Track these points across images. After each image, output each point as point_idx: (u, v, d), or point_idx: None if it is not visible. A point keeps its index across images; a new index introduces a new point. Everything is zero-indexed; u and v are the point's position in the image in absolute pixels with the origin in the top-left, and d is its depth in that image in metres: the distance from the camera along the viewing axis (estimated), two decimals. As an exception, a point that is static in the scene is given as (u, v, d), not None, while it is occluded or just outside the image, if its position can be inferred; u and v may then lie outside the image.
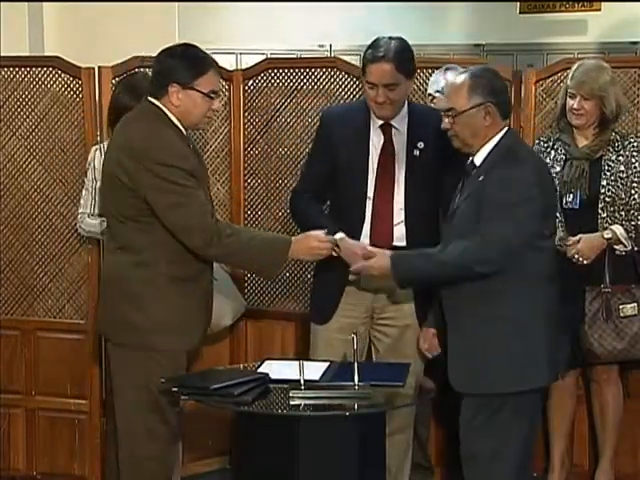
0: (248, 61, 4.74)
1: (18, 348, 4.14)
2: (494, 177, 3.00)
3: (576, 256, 3.61)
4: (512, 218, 2.96)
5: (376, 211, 3.39)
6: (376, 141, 3.41)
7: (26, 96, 4.06)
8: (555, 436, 3.89)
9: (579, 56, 5.66)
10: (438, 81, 3.77)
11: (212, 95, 3.10)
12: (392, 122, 3.39)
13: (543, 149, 3.77)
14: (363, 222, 3.39)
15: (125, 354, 3.14)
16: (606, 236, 3.61)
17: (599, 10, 7.17)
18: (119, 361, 3.17)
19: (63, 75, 4.03)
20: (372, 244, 3.32)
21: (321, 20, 7.16)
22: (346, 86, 4.01)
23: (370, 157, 3.39)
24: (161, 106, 3.10)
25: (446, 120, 3.08)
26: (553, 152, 3.75)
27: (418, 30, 7.25)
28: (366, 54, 3.33)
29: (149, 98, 3.12)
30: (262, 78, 4.12)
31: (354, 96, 4.03)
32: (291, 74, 4.10)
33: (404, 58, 3.31)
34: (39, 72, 4.05)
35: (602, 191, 3.63)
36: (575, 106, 3.67)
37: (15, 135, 4.08)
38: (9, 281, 4.15)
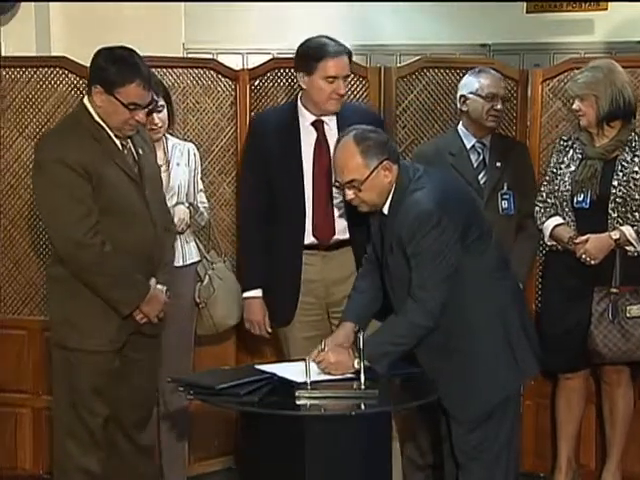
0: (254, 61, 4.72)
1: (25, 348, 4.15)
2: (404, 233, 2.96)
3: (584, 256, 3.61)
4: (436, 262, 2.94)
5: (315, 207, 3.47)
6: (307, 138, 3.49)
7: (33, 96, 4.06)
8: (563, 436, 3.88)
9: (586, 56, 5.65)
10: (472, 83, 3.76)
11: (132, 107, 3.11)
12: (322, 118, 3.49)
13: (562, 147, 3.77)
14: (304, 219, 3.47)
15: (52, 350, 3.29)
16: (614, 237, 3.60)
17: (606, 9, 7.14)
18: (52, 357, 3.32)
19: (70, 75, 4.03)
20: (315, 239, 3.48)
21: (326, 20, 7.14)
22: (351, 85, 4.00)
23: (303, 155, 3.47)
24: (88, 105, 3.17)
25: (350, 192, 3.04)
26: (571, 151, 3.74)
27: (424, 30, 7.23)
28: (323, 50, 3.40)
29: (85, 97, 3.20)
30: (268, 78, 4.12)
31: (358, 94, 4.03)
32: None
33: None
34: (46, 72, 4.06)
35: (613, 191, 3.62)
36: (574, 107, 3.67)
37: (22, 135, 4.09)
38: (16, 281, 4.15)
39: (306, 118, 3.51)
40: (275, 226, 3.52)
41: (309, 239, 3.50)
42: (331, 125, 3.51)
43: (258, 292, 3.58)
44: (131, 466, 3.40)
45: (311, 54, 3.42)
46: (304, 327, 3.54)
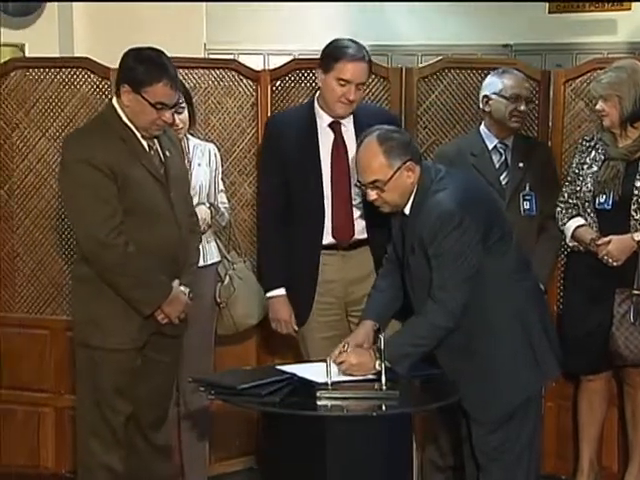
0: (276, 62, 4.73)
1: (47, 347, 4.17)
2: (426, 233, 2.96)
3: (606, 257, 3.59)
4: (457, 262, 2.93)
5: (335, 208, 3.47)
6: (325, 139, 3.50)
7: (56, 97, 4.09)
8: (585, 438, 3.86)
9: (608, 56, 5.62)
10: (495, 83, 3.74)
11: (159, 106, 3.13)
12: (339, 119, 3.50)
13: (584, 148, 3.74)
14: (324, 220, 3.47)
15: (75, 349, 3.32)
16: (636, 238, 3.57)
17: (629, 9, 7.12)
18: (75, 356, 3.35)
19: (92, 76, 4.05)
20: (335, 239, 3.48)
21: (347, 20, 7.16)
22: (372, 85, 4.00)
23: (321, 156, 3.47)
24: (116, 105, 3.20)
25: (372, 193, 3.03)
26: (594, 152, 3.71)
27: (445, 30, 7.23)
28: (343, 51, 3.40)
29: (114, 98, 3.23)
30: (289, 78, 4.12)
31: (379, 95, 4.03)
32: (318, 74, 4.09)
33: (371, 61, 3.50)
34: (69, 73, 4.08)
35: (635, 192, 3.59)
36: (597, 108, 3.65)
37: (45, 136, 4.11)
38: (38, 281, 4.18)
39: (323, 120, 3.51)
40: (293, 227, 3.52)
41: (328, 239, 3.50)
42: (348, 127, 3.51)
43: (281, 291, 3.57)
44: (149, 465, 3.42)
45: (332, 53, 3.43)
46: (322, 327, 3.53)
